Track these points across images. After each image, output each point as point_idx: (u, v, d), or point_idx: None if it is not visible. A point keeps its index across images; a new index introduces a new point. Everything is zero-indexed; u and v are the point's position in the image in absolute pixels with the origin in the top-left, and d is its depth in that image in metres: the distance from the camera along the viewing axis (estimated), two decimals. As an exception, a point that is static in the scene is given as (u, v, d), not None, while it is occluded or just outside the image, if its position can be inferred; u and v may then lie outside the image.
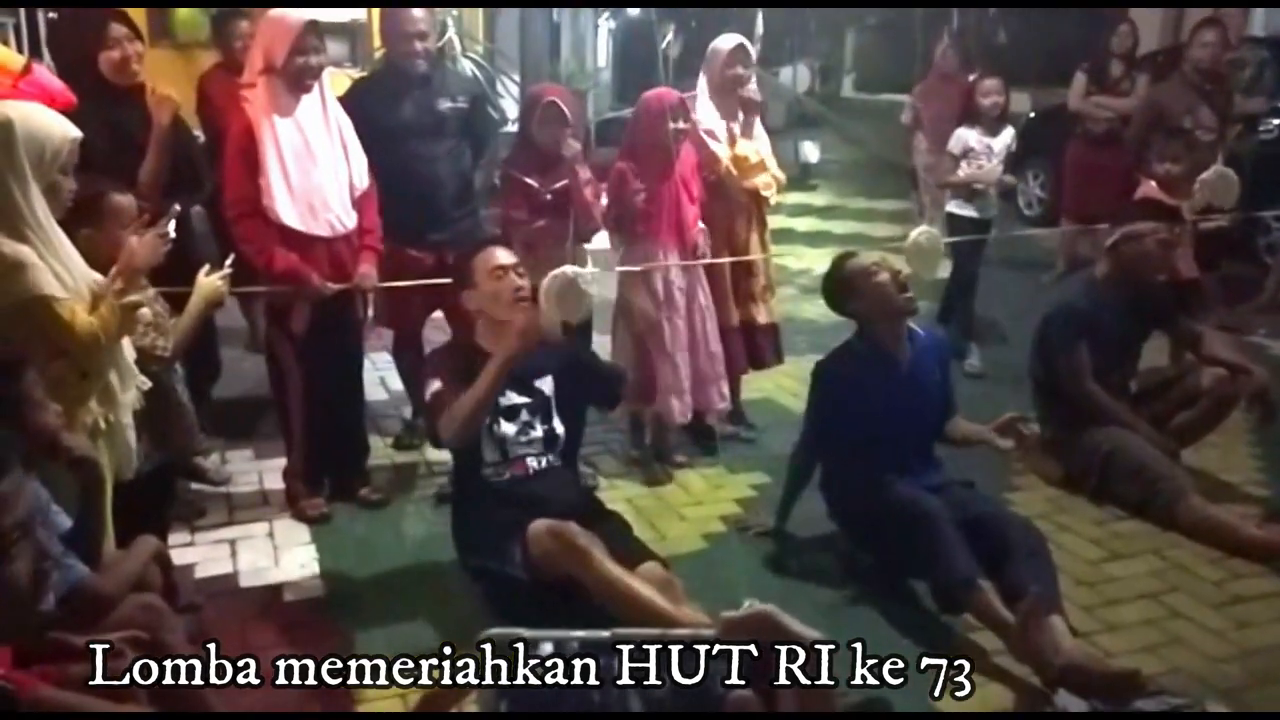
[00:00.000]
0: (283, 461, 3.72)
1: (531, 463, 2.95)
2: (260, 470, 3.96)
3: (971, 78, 5.69)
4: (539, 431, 2.97)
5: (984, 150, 5.19)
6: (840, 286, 3.24)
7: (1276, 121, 6.52)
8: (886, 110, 17.17)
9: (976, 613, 2.78)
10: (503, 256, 2.95)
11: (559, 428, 3.01)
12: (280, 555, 3.36)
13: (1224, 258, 5.30)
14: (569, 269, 3.08)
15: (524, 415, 2.96)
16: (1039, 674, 2.63)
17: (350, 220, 3.46)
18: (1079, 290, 3.94)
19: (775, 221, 4.58)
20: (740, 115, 4.08)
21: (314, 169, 3.34)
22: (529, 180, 3.76)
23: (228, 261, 3.10)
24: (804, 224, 9.09)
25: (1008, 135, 5.25)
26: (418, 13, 3.78)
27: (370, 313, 3.94)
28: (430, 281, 3.74)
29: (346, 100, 3.95)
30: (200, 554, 3.35)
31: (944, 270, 3.27)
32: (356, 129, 3.68)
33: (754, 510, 3.66)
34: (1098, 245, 4.03)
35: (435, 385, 2.87)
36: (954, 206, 5.29)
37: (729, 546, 3.44)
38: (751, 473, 4.00)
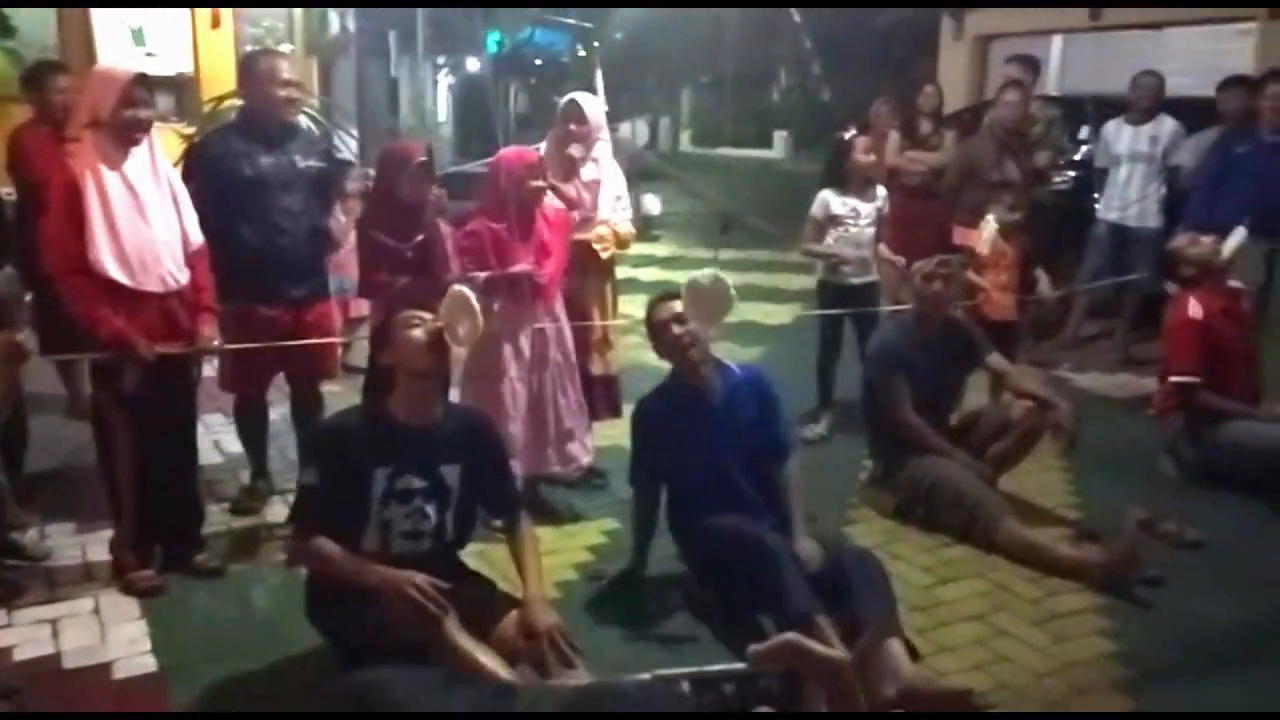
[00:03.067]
0: (109, 533, 3.52)
1: (407, 555, 2.71)
2: (83, 543, 3.73)
3: (848, 135, 5.41)
4: (431, 522, 2.76)
5: (850, 215, 4.89)
6: (647, 331, 3.46)
7: (1070, 173, 7.13)
8: (722, 164, 17.85)
9: None
10: (413, 310, 2.84)
11: (450, 525, 2.80)
12: (108, 632, 3.18)
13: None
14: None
15: (418, 502, 2.74)
16: (869, 700, 2.72)
17: (183, 276, 3.37)
18: (895, 329, 4.22)
19: (619, 272, 4.67)
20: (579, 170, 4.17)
21: (143, 223, 3.24)
22: (390, 241, 3.73)
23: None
24: (648, 274, 9.29)
25: (880, 197, 5.00)
26: (282, 62, 3.77)
27: (204, 373, 3.81)
28: (280, 344, 3.69)
29: (201, 150, 3.88)
30: (19, 635, 3.13)
31: (730, 317, 3.30)
32: (212, 180, 3.61)
33: (606, 558, 3.70)
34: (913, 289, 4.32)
35: (308, 479, 2.72)
36: (821, 273, 5.04)
37: (583, 594, 3.46)
38: (603, 519, 4.03)
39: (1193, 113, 6.41)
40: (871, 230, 4.93)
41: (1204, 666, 3.06)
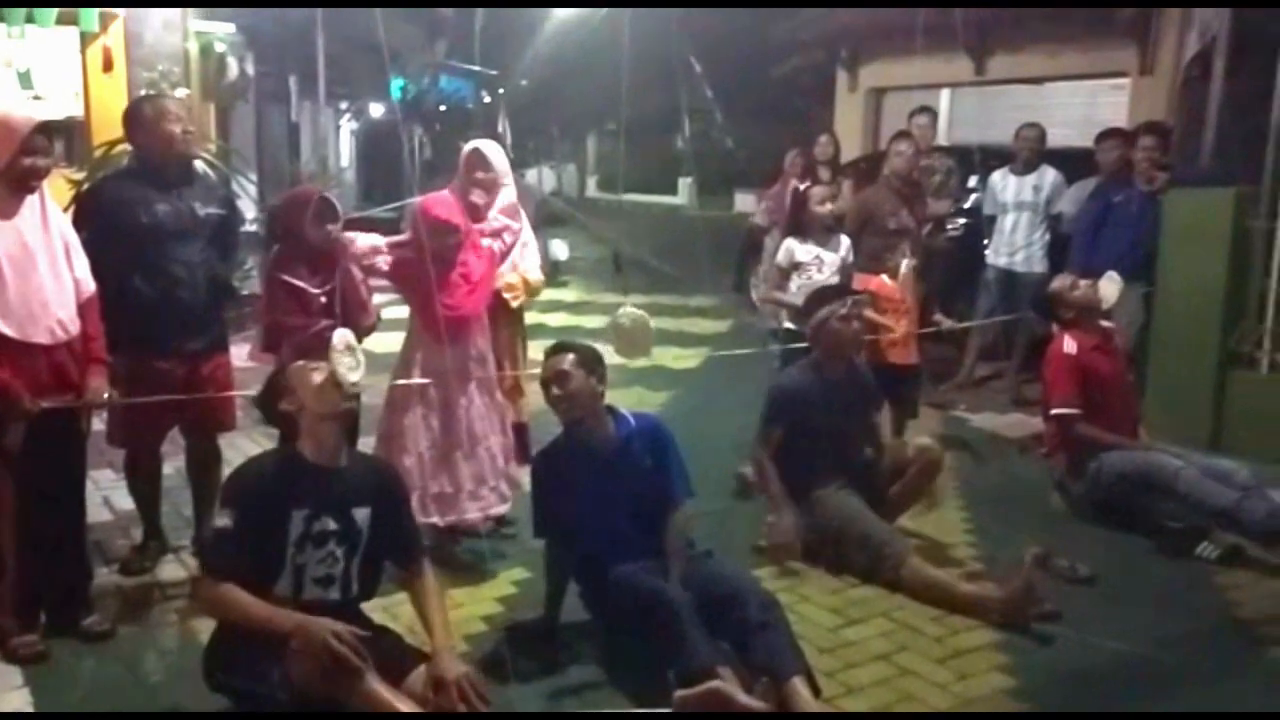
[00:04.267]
0: (-11, 597, 3.35)
1: (317, 603, 2.70)
2: (-39, 609, 3.54)
3: (804, 185, 5.50)
4: (340, 567, 2.76)
5: (814, 262, 4.94)
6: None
7: (962, 221, 7.42)
8: (628, 209, 18.08)
9: None
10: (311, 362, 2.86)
11: (357, 572, 2.80)
12: (-12, 703, 3.01)
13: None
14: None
15: (331, 545, 2.74)
16: None
17: (74, 327, 3.26)
18: (794, 373, 4.30)
19: (527, 318, 4.67)
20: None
21: (33, 273, 3.14)
22: (301, 284, 3.69)
23: None
24: (556, 320, 9.31)
25: (844, 245, 5.07)
26: (170, 106, 3.70)
27: (95, 426, 3.67)
28: (172, 398, 3.59)
29: (93, 196, 3.77)
30: (-114, 712, 2.95)
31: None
32: (105, 227, 3.52)
33: (517, 608, 3.66)
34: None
35: (224, 522, 2.67)
36: (789, 322, 4.97)
37: (494, 645, 3.40)
38: (512, 569, 3.99)
39: (1072, 163, 6.76)
40: (837, 279, 4.91)
41: (1099, 698, 3.16)
